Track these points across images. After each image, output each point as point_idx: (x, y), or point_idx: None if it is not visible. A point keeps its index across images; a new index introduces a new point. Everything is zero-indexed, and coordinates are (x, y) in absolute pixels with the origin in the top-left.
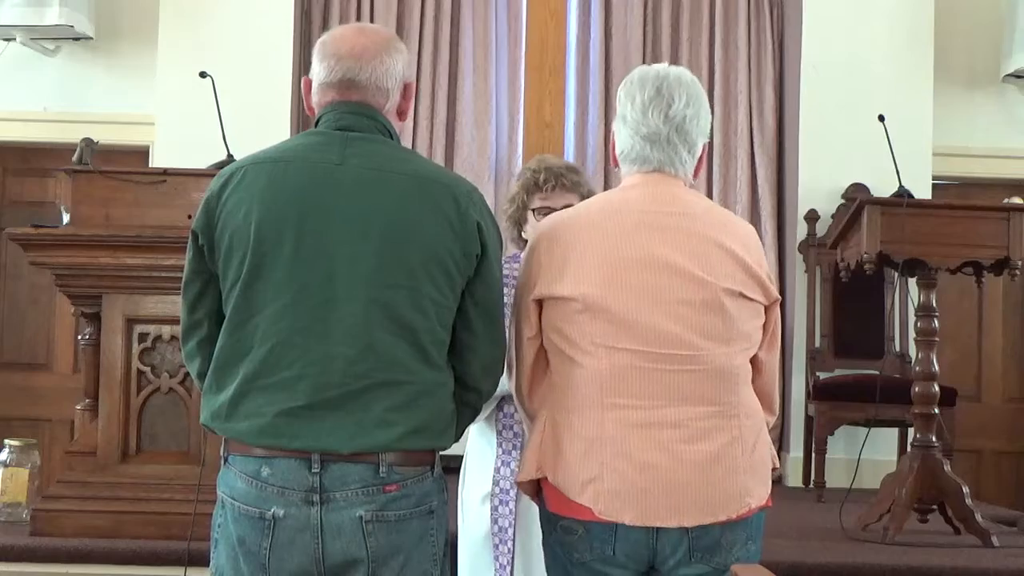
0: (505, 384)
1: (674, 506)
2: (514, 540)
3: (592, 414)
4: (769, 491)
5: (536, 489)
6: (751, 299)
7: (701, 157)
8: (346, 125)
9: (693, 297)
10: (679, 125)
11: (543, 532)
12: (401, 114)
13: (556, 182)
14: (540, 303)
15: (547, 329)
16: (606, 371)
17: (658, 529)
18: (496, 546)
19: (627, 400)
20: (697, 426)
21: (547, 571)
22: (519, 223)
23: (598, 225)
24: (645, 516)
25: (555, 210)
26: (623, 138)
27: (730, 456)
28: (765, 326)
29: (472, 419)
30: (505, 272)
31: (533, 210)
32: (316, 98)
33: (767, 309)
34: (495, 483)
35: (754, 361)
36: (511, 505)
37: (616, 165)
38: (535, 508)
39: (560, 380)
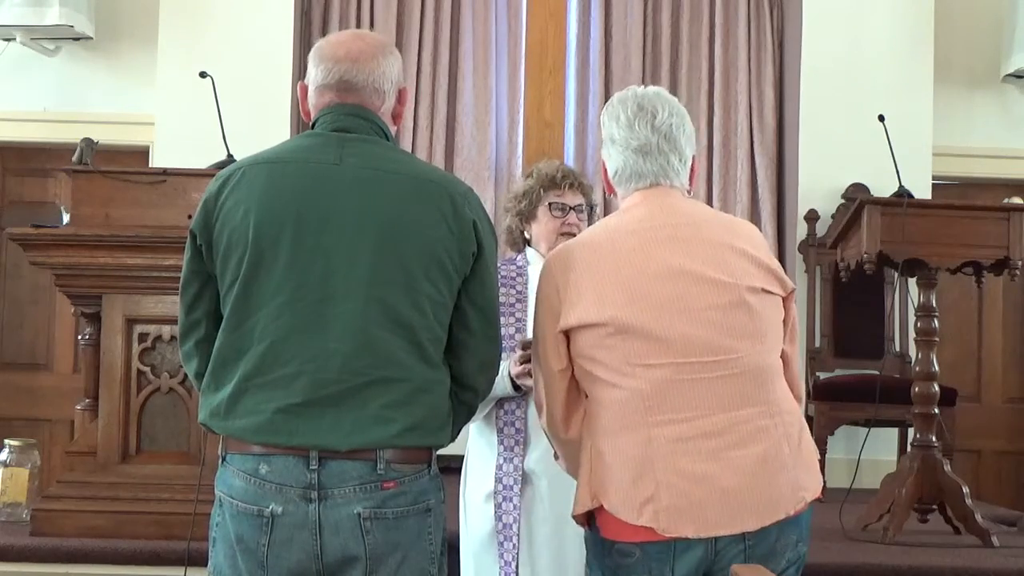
0: (499, 386)
1: (733, 513)
2: (519, 536)
3: (638, 434)
4: (821, 482)
5: (587, 518)
6: (771, 293)
7: (693, 167)
8: (343, 127)
9: (719, 301)
10: (667, 133)
11: (593, 555)
12: (396, 117)
13: (574, 180)
14: (567, 334)
15: (578, 358)
16: (647, 390)
17: (716, 540)
18: (501, 543)
19: (671, 415)
20: (743, 430)
21: None
22: (527, 219)
23: (610, 247)
24: (707, 527)
25: (569, 206)
26: (614, 158)
27: (779, 454)
28: (784, 319)
29: (468, 418)
30: (503, 273)
31: (549, 204)
32: (313, 101)
33: (784, 302)
34: (498, 480)
35: (780, 355)
36: (515, 501)
37: (612, 193)
38: (539, 505)
39: (599, 406)
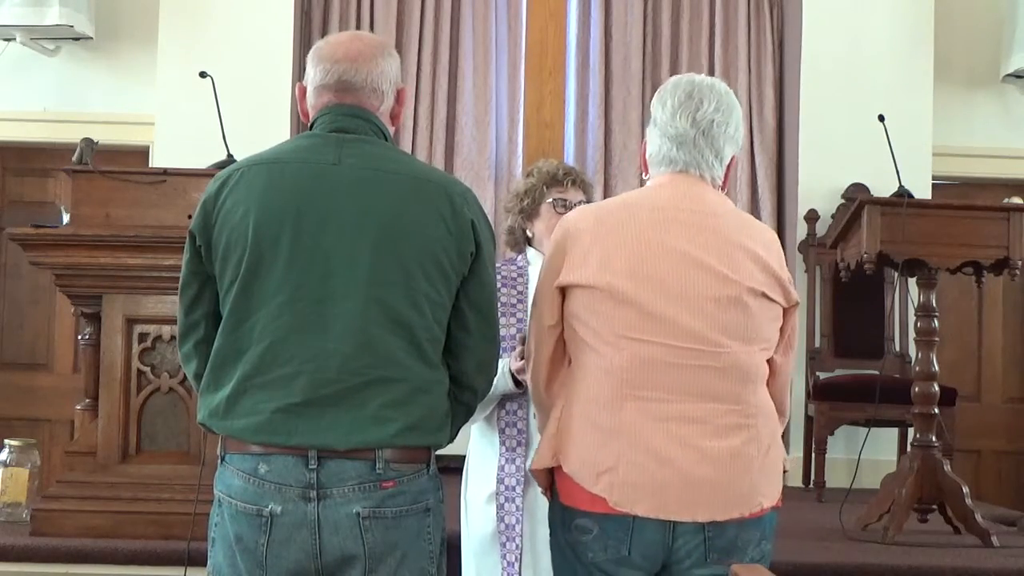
0: (500, 384)
1: (690, 501)
2: (522, 537)
3: (612, 405)
4: (780, 492)
5: (549, 482)
6: (772, 300)
7: (730, 166)
8: (342, 127)
9: (718, 294)
10: (706, 129)
11: (552, 531)
12: (394, 118)
13: (575, 177)
14: (563, 291)
15: (569, 318)
16: (627, 362)
17: (674, 527)
18: (503, 544)
19: (648, 392)
20: (717, 423)
21: (554, 572)
22: (530, 217)
23: (625, 218)
24: (659, 509)
25: (572, 202)
26: (652, 141)
27: (747, 455)
28: (782, 330)
29: (466, 418)
30: (503, 273)
31: (552, 201)
32: (311, 101)
33: (785, 313)
34: (500, 481)
35: (769, 364)
36: (518, 502)
37: (647, 173)
38: (542, 505)
39: (580, 370)
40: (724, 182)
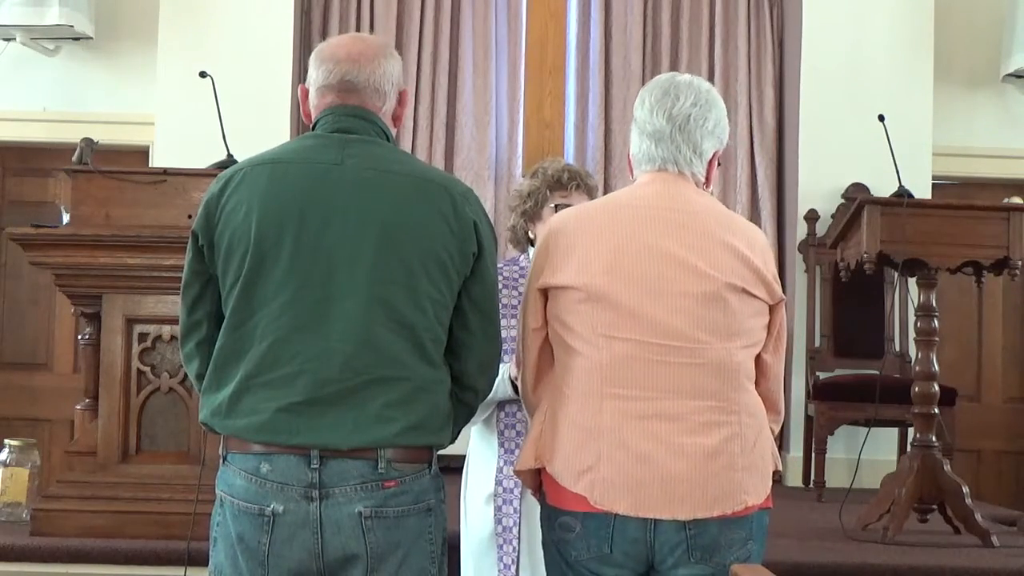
0: (500, 389)
1: (669, 499)
2: (519, 539)
3: (591, 403)
4: (769, 491)
5: (536, 483)
6: (754, 296)
7: (712, 163)
8: (344, 127)
9: (695, 290)
10: (682, 124)
11: (542, 530)
12: (396, 119)
13: (580, 182)
14: (545, 293)
15: (551, 319)
16: (606, 361)
17: (656, 525)
18: (500, 546)
19: (627, 391)
20: (696, 420)
21: (546, 571)
22: (532, 219)
23: (604, 218)
24: (639, 507)
25: None
26: (634, 140)
27: (728, 452)
28: (770, 327)
29: (468, 419)
30: (505, 274)
31: (556, 206)
32: (314, 102)
33: (772, 310)
34: (498, 483)
35: (759, 363)
36: (515, 504)
37: (631, 173)
38: (539, 507)
39: (562, 371)
40: (707, 179)
